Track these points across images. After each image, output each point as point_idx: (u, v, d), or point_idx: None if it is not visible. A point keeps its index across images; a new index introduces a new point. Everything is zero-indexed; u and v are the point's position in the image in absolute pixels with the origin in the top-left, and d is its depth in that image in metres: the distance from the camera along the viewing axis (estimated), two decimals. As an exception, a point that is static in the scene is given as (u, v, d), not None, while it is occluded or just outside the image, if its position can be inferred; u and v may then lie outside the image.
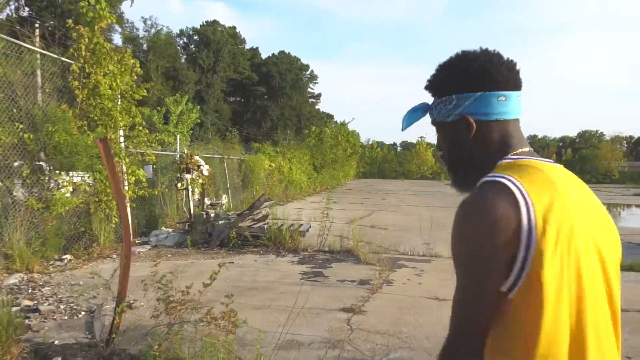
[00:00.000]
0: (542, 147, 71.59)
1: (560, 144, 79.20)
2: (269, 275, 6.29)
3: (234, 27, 68.86)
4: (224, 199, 9.72)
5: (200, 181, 9.00)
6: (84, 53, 7.15)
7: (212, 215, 8.69)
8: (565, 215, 0.94)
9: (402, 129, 1.21)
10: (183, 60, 63.30)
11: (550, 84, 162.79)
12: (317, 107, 77.51)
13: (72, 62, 7.20)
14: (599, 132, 73.24)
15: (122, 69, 7.77)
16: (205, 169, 8.99)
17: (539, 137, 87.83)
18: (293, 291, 5.42)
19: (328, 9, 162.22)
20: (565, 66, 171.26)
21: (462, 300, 1.01)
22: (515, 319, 0.94)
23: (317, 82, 76.10)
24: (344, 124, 34.05)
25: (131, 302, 4.73)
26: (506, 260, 0.93)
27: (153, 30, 56.10)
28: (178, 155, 9.13)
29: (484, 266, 0.95)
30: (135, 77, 8.06)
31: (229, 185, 13.59)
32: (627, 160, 58.99)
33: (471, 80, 1.08)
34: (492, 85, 1.07)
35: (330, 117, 66.52)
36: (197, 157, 8.99)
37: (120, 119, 7.65)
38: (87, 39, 7.12)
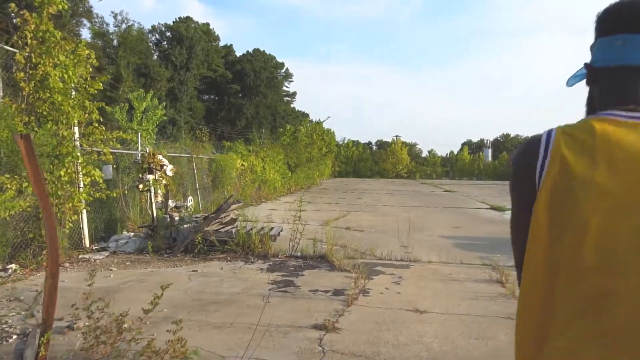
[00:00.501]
0: (514, 145, 72.37)
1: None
2: (235, 285, 5.76)
3: (208, 24, 67.68)
4: (190, 201, 9.12)
5: (164, 182, 8.39)
6: (29, 41, 6.48)
7: (177, 218, 8.10)
8: (588, 172, 0.89)
9: (568, 84, 1.14)
10: (155, 57, 61.96)
11: (521, 84, 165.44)
12: (292, 105, 76.90)
13: (16, 50, 6.52)
14: (569, 131, 74.37)
15: (76, 60, 7.11)
16: (169, 169, 8.38)
17: (512, 135, 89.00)
18: (260, 305, 4.91)
19: (302, 7, 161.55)
20: (536, 68, 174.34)
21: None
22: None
23: (292, 81, 75.48)
24: (319, 123, 33.57)
25: (72, 322, 4.14)
26: (530, 198, 0.96)
27: (124, 26, 54.67)
28: (139, 155, 8.50)
29: (512, 198, 1.05)
30: (91, 69, 7.41)
31: (197, 186, 12.95)
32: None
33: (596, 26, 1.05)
34: (604, 29, 1.02)
35: (306, 115, 65.98)
36: (160, 157, 8.37)
37: (73, 114, 7.00)
38: (33, 26, 6.45)
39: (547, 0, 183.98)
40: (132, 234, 8.72)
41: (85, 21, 46.41)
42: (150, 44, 63.01)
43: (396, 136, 64.19)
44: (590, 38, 1.07)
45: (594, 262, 0.85)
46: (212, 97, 72.11)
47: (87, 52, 7.34)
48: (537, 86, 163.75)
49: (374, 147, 78.48)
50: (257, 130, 39.57)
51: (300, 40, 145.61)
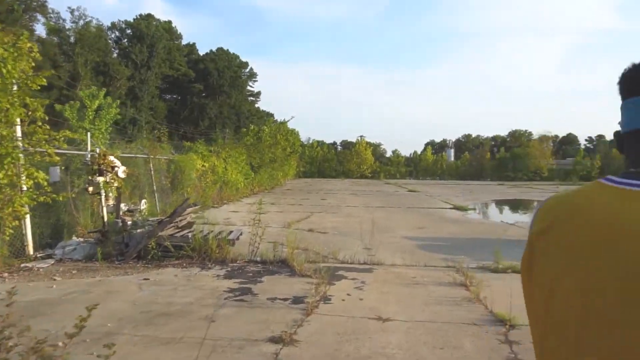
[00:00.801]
0: (476, 145, 73.91)
1: (493, 142, 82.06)
2: (189, 294, 5.41)
3: (170, 22, 66.43)
4: (144, 204, 8.65)
5: (116, 184, 7.92)
6: (-39, 32, 5.95)
7: (129, 222, 7.66)
8: (555, 237, 0.89)
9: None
10: (115, 55, 60.26)
11: (482, 86, 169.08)
12: (256, 105, 76.13)
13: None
14: (527, 131, 76.59)
15: (16, 54, 6.60)
16: (121, 171, 7.92)
17: (473, 136, 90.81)
18: (214, 316, 4.61)
19: (267, 6, 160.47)
20: (496, 69, 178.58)
21: None
22: None
23: (257, 80, 74.69)
24: (283, 123, 33.20)
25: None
26: None
27: (81, 22, 52.81)
28: (89, 155, 8.00)
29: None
30: (33, 64, 6.90)
31: (155, 188, 12.43)
32: (555, 158, 61.83)
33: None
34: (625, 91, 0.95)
35: (271, 115, 65.39)
36: (111, 157, 7.91)
37: (13, 112, 6.49)
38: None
39: (513, 4, 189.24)
40: (81, 239, 8.22)
41: (40, 16, 44.57)
42: (110, 41, 61.29)
43: (360, 136, 64.31)
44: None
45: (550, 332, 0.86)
46: (174, 96, 70.71)
47: (29, 45, 6.82)
48: (500, 87, 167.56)
49: (339, 148, 78.53)
50: (221, 131, 38.87)
51: (265, 40, 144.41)
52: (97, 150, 8.02)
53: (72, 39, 50.76)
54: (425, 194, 25.31)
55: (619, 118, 0.96)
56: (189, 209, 7.82)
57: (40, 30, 45.39)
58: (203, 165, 17.10)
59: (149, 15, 64.04)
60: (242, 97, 71.57)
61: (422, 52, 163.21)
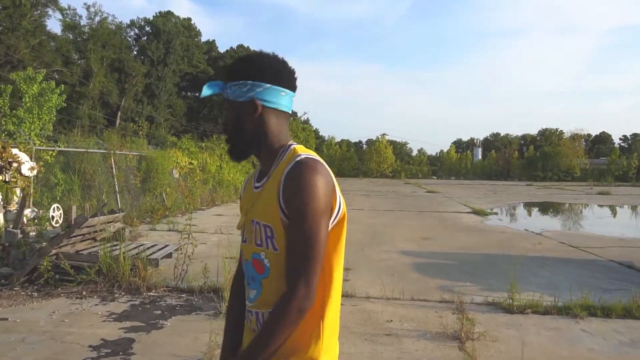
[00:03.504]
0: (504, 144, 70.60)
1: (522, 141, 78.54)
2: (34, 351, 3.59)
3: (189, 19, 65.35)
4: (55, 211, 6.86)
5: (20, 184, 6.21)
6: None
7: (32, 234, 5.93)
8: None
9: (200, 95, 1.36)
10: (135, 52, 59.59)
11: (511, 84, 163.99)
12: (278, 103, 74.53)
13: None
14: (558, 130, 72.86)
15: None
16: (25, 168, 6.20)
17: (502, 134, 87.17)
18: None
19: (292, 6, 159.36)
20: (524, 67, 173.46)
21: (315, 247, 1.17)
22: None
23: (279, 78, 73.05)
24: (295, 119, 31.46)
25: None
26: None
27: (97, 19, 52.06)
28: (-14, 148, 6.31)
29: (328, 214, 1.23)
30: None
31: (117, 188, 10.73)
32: (588, 157, 58.37)
33: (265, 74, 1.30)
34: (278, 81, 1.31)
35: (294, 114, 63.62)
36: (15, 151, 6.19)
37: None
38: None
39: (534, 2, 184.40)
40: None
41: (51, 12, 43.74)
42: (129, 38, 60.70)
43: (382, 134, 61.97)
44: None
45: None
46: (194, 94, 69.92)
47: None
48: (519, 86, 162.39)
49: (364, 147, 76.34)
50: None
51: (288, 39, 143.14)
52: (-4, 142, 6.30)
53: (86, 36, 50.00)
54: (444, 195, 23.13)
55: None
56: (97, 218, 5.96)
57: (52, 25, 44.60)
58: (190, 163, 15.38)
59: (169, 13, 63.18)
60: (262, 95, 70.20)
61: (451, 50, 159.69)
